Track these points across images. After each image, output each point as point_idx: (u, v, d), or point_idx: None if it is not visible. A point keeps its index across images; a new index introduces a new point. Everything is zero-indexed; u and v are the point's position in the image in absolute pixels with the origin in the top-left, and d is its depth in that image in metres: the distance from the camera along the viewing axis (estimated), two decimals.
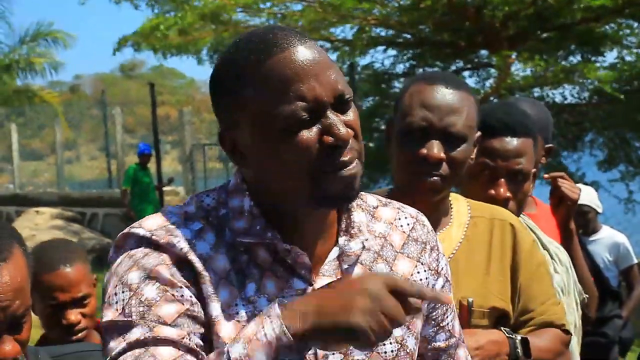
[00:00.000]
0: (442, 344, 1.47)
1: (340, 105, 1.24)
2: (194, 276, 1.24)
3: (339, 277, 1.30)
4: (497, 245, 1.89)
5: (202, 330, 1.22)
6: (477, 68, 12.20)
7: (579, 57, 11.13)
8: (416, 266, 1.40)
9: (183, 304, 1.21)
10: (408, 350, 1.36)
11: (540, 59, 9.62)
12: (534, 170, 2.23)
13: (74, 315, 2.22)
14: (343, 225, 1.34)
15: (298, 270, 1.28)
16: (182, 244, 1.24)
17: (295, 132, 1.20)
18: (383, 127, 11.40)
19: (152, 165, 12.42)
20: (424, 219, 1.47)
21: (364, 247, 1.34)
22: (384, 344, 1.32)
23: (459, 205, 1.93)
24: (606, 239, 5.27)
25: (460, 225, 1.89)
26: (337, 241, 1.34)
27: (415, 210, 1.47)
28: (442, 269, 1.46)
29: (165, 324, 1.18)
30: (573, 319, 2.25)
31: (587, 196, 5.05)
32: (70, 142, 21.83)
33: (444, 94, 1.79)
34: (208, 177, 16.52)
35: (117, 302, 1.21)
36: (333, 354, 1.28)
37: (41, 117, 20.70)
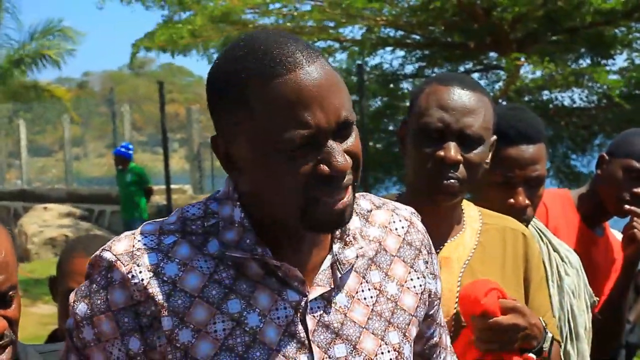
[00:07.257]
0: (437, 340, 1.50)
1: (342, 131, 1.20)
2: (155, 311, 1.23)
3: (332, 286, 1.29)
4: (510, 254, 1.87)
5: None
6: (487, 70, 12.18)
7: (588, 61, 11.10)
8: (409, 272, 1.39)
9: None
10: (404, 358, 1.35)
11: (549, 62, 9.59)
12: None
13: None
14: (337, 233, 1.31)
15: (291, 282, 1.26)
16: (144, 275, 1.23)
17: (293, 157, 1.17)
18: (391, 128, 11.46)
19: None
20: (417, 221, 1.45)
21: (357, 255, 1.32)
22: (382, 353, 1.31)
23: (470, 211, 1.91)
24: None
25: (473, 232, 1.87)
26: (330, 248, 1.31)
27: (409, 210, 1.45)
28: (436, 270, 1.46)
29: None
30: (583, 321, 2.24)
31: None
32: (78, 139, 21.87)
33: (461, 95, 1.77)
34: (216, 175, 16.53)
35: (70, 322, 1.30)
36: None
37: (49, 113, 20.71)
